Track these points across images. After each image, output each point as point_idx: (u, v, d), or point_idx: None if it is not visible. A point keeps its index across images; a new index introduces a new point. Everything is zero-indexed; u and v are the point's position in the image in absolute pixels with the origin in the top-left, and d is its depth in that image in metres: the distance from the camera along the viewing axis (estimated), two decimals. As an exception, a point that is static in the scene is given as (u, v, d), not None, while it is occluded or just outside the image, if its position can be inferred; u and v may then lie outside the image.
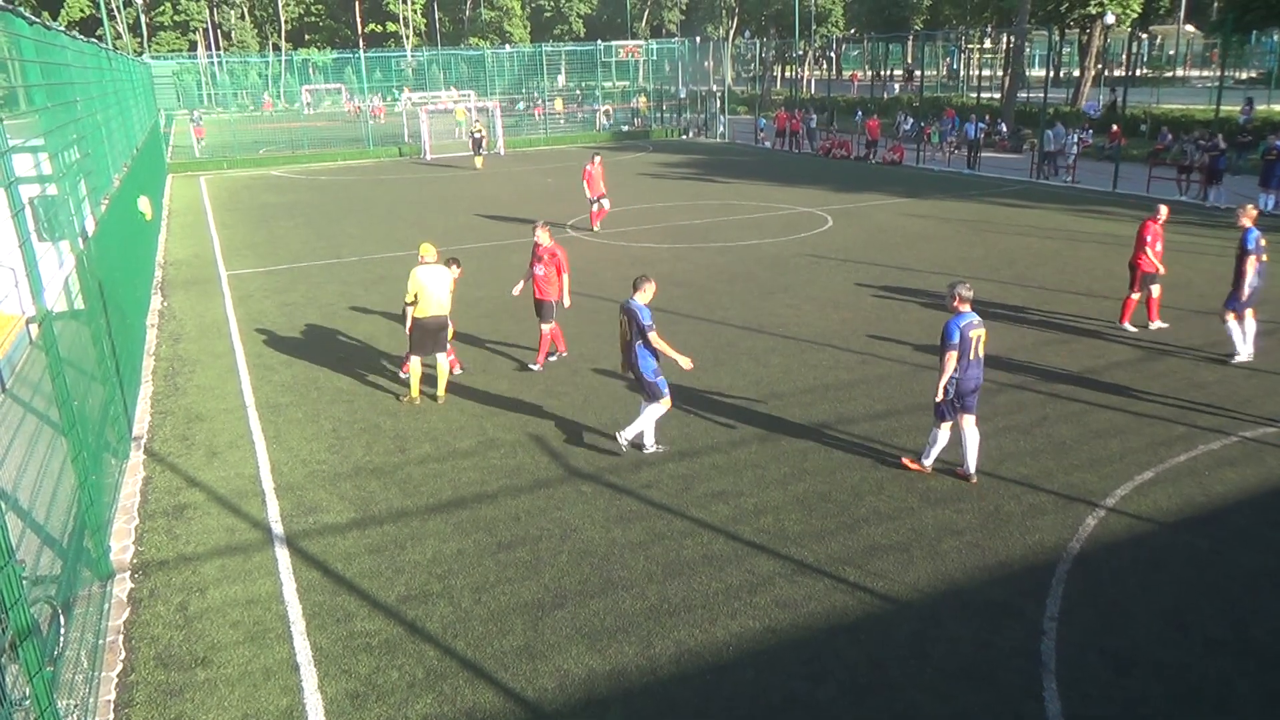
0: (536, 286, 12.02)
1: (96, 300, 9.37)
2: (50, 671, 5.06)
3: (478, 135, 37.35)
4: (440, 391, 11.21)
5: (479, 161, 36.42)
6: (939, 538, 7.81)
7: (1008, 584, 7.12)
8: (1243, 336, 11.64)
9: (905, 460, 9.11)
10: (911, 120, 40.73)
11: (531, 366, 12.27)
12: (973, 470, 8.78)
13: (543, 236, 11.95)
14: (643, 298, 9.17)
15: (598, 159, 22.16)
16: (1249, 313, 11.59)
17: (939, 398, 8.54)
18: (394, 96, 59.06)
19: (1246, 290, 11.39)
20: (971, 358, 8.41)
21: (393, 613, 7.01)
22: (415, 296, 10.71)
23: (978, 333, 8.40)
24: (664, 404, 9.31)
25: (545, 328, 12.11)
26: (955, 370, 8.37)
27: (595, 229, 22.02)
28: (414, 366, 11.19)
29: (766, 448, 9.46)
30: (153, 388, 12.25)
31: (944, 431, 8.75)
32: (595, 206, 22.00)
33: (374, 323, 14.89)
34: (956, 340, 8.30)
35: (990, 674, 6.12)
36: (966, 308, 8.41)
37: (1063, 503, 8.34)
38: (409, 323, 10.89)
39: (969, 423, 8.64)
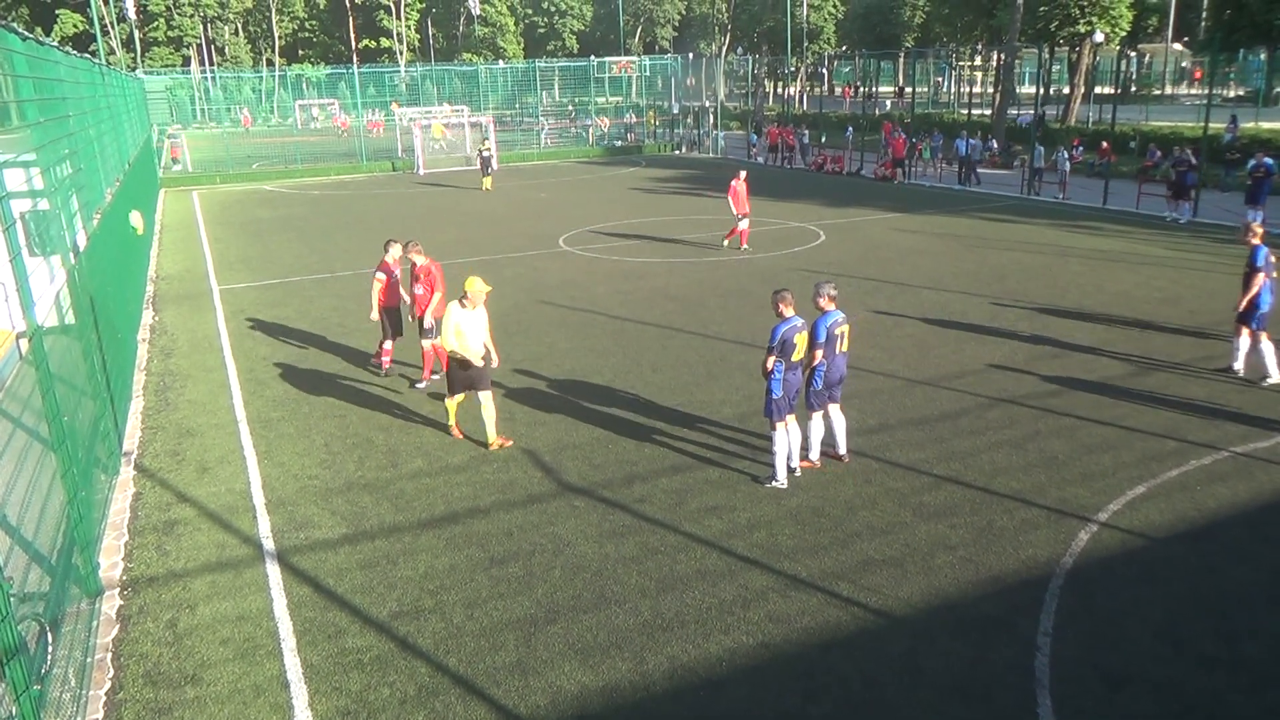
0: (416, 304, 12.22)
1: (87, 315, 9.34)
2: (37, 690, 5.02)
3: (486, 154, 35.14)
4: (490, 439, 10.17)
5: (487, 183, 34.19)
6: (932, 553, 7.81)
7: (1001, 599, 7.12)
8: (1259, 354, 11.43)
9: (800, 462, 9.35)
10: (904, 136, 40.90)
11: (417, 385, 12.30)
12: (844, 451, 9.54)
13: (418, 257, 12.18)
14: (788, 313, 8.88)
15: (743, 174, 21.19)
16: (1263, 334, 11.42)
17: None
18: (387, 112, 59.12)
19: (1245, 303, 11.32)
20: (838, 352, 9.05)
21: (384, 629, 6.97)
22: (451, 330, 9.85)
23: (843, 329, 9.06)
24: (778, 433, 8.93)
25: (426, 344, 12.23)
26: (824, 363, 8.96)
27: (745, 247, 21.12)
28: (449, 404, 10.55)
29: (760, 462, 9.45)
30: (143, 403, 12.19)
31: (817, 422, 9.29)
32: (744, 223, 20.94)
33: (366, 337, 14.84)
34: (824, 339, 8.90)
35: (984, 690, 6.11)
36: (833, 306, 9.02)
37: (1055, 517, 8.35)
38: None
39: (836, 410, 9.40)
